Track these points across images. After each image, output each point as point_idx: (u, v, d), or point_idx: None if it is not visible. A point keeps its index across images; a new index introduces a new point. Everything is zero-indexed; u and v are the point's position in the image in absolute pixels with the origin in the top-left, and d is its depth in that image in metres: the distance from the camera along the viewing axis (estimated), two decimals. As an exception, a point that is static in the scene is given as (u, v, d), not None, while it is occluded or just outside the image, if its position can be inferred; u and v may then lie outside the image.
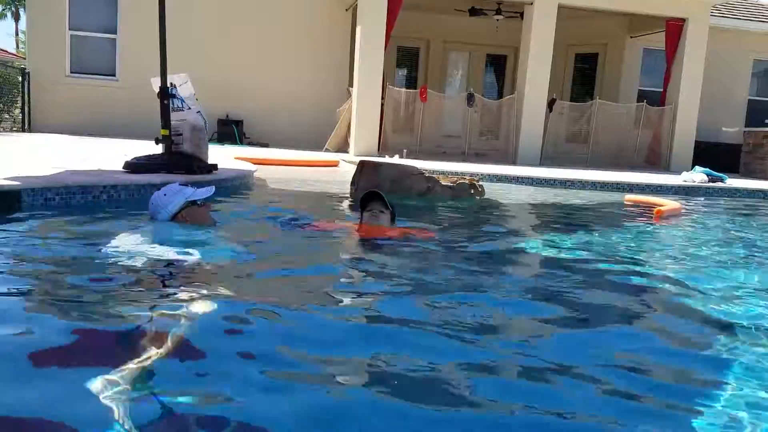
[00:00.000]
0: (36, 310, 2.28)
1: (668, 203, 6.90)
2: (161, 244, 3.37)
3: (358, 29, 11.94)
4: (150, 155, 5.76)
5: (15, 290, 2.47)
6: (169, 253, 3.24)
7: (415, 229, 4.28)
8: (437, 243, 4.08)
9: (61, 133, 12.18)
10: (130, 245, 3.23)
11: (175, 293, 2.55)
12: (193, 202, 3.74)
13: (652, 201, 7.16)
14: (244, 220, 4.65)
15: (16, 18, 48.31)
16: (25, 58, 15.64)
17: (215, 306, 2.33)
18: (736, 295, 3.08)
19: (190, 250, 3.29)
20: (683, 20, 12.92)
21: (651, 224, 5.94)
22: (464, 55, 16.30)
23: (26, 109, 13.03)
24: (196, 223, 3.75)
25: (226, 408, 1.58)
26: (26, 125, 12.98)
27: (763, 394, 1.83)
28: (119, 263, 2.89)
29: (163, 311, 2.24)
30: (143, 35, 11.78)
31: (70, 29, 13.06)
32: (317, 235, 4.15)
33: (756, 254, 4.54)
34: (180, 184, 3.88)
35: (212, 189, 3.89)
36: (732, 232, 5.85)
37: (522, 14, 12.84)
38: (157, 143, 5.78)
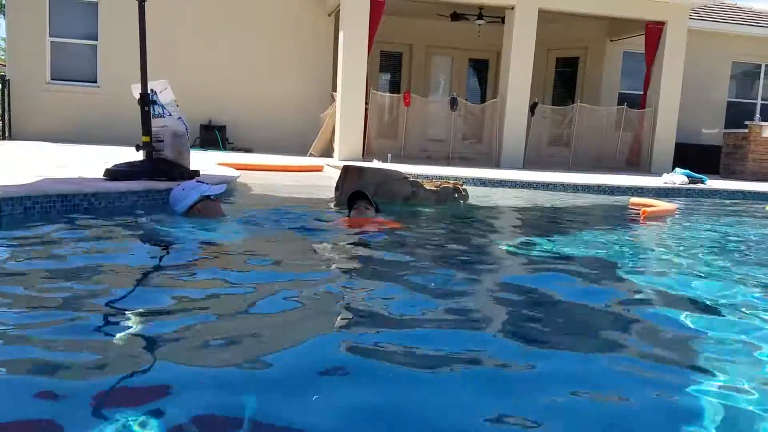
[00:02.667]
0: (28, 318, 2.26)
1: (667, 205, 6.97)
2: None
3: (341, 34, 11.96)
4: (131, 162, 5.72)
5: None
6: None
7: (396, 222, 4.64)
8: (419, 244, 4.12)
9: (42, 140, 12.05)
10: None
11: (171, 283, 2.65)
12: (207, 197, 4.35)
13: (655, 203, 7.22)
14: (233, 220, 4.78)
15: (-4, 25, 47.78)
16: (5, 65, 15.46)
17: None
18: (717, 294, 3.11)
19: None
20: (662, 23, 13.08)
21: (637, 225, 6.00)
22: (447, 59, 16.38)
23: (6, 116, 12.89)
24: (208, 216, 4.34)
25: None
26: (6, 133, 12.83)
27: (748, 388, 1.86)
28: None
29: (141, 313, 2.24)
30: (124, 42, 11.70)
31: (50, 36, 12.96)
32: (308, 228, 4.52)
33: (737, 253, 4.59)
34: (197, 181, 4.54)
35: (224, 187, 4.56)
36: (714, 231, 5.91)
37: (503, 19, 12.92)
38: (138, 150, 5.74)
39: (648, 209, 6.48)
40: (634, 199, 7.92)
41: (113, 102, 12.27)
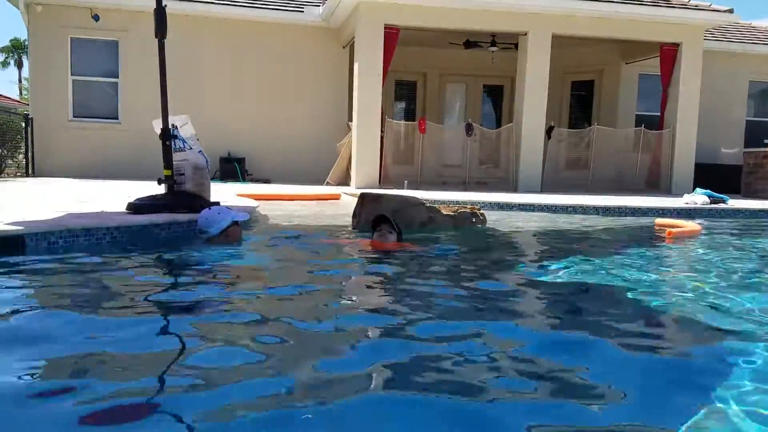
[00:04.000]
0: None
1: (692, 226, 6.88)
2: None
3: (356, 66, 12.11)
4: (153, 195, 5.80)
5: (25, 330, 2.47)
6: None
7: (417, 245, 4.90)
8: (441, 267, 4.15)
9: (65, 176, 12.29)
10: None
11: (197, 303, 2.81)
12: (235, 222, 4.79)
13: (681, 224, 7.12)
14: (257, 244, 5.14)
15: (19, 65, 49.20)
16: (28, 104, 15.85)
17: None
18: (742, 315, 3.06)
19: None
20: (677, 45, 13.08)
21: (663, 246, 5.94)
22: (461, 86, 16.49)
23: (30, 154, 13.17)
24: (232, 240, 4.75)
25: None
26: (30, 170, 13.10)
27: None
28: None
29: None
30: (144, 78, 11.99)
31: (72, 75, 13.27)
32: (331, 248, 4.91)
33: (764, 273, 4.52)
34: (226, 207, 5.03)
35: (248, 215, 5.09)
36: (741, 251, 5.82)
37: (516, 45, 13.02)
38: (159, 183, 5.82)
39: (673, 230, 6.41)
40: (660, 220, 7.82)
41: (135, 137, 12.52)
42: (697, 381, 2.14)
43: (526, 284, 3.96)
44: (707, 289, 3.81)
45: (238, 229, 4.84)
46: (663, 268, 4.80)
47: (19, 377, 1.94)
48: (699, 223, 7.47)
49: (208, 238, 4.75)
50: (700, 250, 5.86)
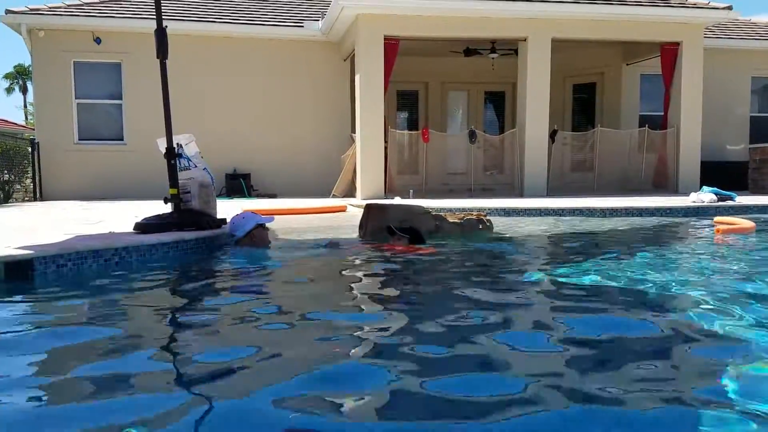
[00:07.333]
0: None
1: (746, 223, 6.81)
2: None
3: (357, 77, 12.16)
4: (160, 215, 5.81)
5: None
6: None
7: (431, 248, 5.23)
8: (455, 272, 4.17)
9: (73, 199, 12.36)
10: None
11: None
12: (261, 225, 5.24)
13: (735, 222, 7.03)
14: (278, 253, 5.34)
15: (24, 91, 49.68)
16: (34, 129, 15.97)
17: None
18: None
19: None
20: (677, 44, 13.08)
21: (682, 244, 5.91)
22: (462, 94, 16.53)
23: (37, 178, 13.26)
24: (260, 242, 5.22)
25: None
26: (38, 194, 13.18)
27: None
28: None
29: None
30: (148, 99, 12.07)
31: (76, 98, 13.38)
32: (351, 252, 5.25)
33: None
34: (252, 213, 5.46)
35: (273, 218, 5.60)
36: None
37: (516, 51, 13.04)
38: (166, 202, 5.84)
39: (722, 227, 6.33)
40: (719, 218, 7.71)
41: (140, 158, 12.60)
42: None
43: (535, 287, 3.94)
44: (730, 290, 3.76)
45: (263, 232, 5.29)
46: (674, 268, 4.76)
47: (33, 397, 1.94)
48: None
49: (236, 241, 5.28)
50: (746, 248, 5.71)
